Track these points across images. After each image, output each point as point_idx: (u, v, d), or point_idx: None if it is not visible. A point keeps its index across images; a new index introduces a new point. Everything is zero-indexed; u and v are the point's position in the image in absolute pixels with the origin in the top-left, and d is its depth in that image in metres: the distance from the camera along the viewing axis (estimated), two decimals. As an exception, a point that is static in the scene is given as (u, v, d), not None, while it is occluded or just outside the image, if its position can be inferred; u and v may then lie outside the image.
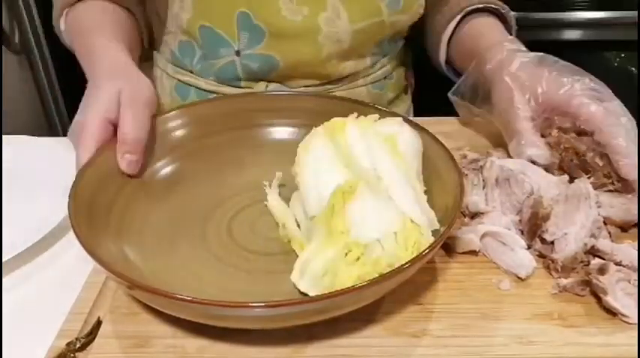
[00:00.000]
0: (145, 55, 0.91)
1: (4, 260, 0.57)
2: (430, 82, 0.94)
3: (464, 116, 0.77)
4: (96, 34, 0.70)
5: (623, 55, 1.61)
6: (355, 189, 0.50)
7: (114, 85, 0.59)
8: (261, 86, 0.81)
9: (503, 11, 0.80)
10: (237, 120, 0.66)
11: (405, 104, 0.95)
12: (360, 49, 0.81)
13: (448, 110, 0.79)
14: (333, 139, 0.56)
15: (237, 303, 0.42)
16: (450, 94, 0.76)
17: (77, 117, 0.59)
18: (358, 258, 0.47)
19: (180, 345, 0.48)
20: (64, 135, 0.58)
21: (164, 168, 0.62)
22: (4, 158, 0.74)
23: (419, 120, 0.85)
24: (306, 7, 0.75)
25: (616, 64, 1.64)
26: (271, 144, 0.66)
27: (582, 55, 1.63)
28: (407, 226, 0.49)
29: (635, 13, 1.42)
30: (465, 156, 0.69)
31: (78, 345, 0.48)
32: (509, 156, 0.67)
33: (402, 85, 0.93)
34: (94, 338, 0.49)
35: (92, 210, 0.53)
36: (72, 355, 0.47)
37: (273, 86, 0.81)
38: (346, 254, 0.48)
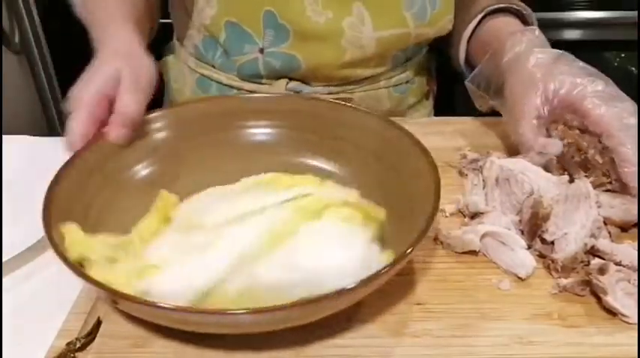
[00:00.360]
0: (169, 48, 0.92)
1: (4, 260, 0.57)
2: (448, 88, 0.95)
3: (480, 105, 0.76)
4: (110, 9, 0.69)
5: (623, 55, 1.61)
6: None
7: (115, 63, 0.60)
8: (281, 83, 0.81)
9: (525, 12, 0.79)
10: (218, 123, 0.66)
11: (426, 109, 0.95)
12: (382, 56, 0.81)
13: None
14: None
15: (217, 311, 0.43)
16: (466, 82, 0.76)
17: (74, 90, 0.59)
18: None
19: (180, 345, 0.48)
20: (64, 135, 0.58)
21: (144, 170, 0.62)
22: (4, 158, 0.74)
23: (419, 120, 0.85)
24: (331, 11, 0.75)
25: (616, 64, 1.64)
26: (251, 147, 0.66)
27: (582, 55, 1.63)
28: None
29: (635, 13, 1.42)
30: (464, 156, 0.69)
31: (78, 345, 0.48)
32: (509, 156, 0.67)
33: (424, 90, 0.93)
34: (94, 338, 0.49)
35: (70, 212, 0.53)
36: (72, 355, 0.47)
37: (293, 84, 0.81)
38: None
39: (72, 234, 0.51)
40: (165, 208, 0.56)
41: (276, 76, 0.81)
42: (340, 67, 0.80)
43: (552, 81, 0.64)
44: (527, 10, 0.79)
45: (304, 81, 0.82)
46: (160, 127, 0.64)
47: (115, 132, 0.57)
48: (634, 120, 0.60)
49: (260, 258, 0.45)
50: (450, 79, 0.91)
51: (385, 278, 0.45)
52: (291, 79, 0.81)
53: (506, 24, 0.77)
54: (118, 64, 0.60)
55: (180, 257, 0.48)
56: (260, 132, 0.66)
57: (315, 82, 0.82)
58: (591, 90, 0.62)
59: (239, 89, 0.83)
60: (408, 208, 0.53)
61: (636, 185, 0.59)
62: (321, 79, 0.81)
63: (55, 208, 0.51)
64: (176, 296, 0.45)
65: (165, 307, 0.41)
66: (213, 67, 0.83)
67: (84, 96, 0.58)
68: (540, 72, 0.65)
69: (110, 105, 0.58)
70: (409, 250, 0.45)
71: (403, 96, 0.88)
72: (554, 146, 0.63)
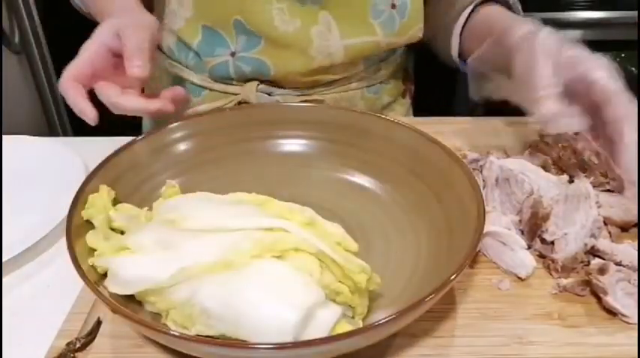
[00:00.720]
0: None
1: (4, 260, 0.57)
2: (429, 85, 0.94)
3: (475, 92, 0.75)
4: None
5: (623, 55, 1.61)
6: None
7: (116, 19, 0.63)
8: (252, 86, 0.81)
9: (510, 2, 0.79)
10: (243, 133, 0.65)
11: (403, 108, 0.95)
12: (352, 62, 0.81)
13: (447, 111, 0.79)
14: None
15: (222, 342, 0.42)
16: (468, 61, 0.74)
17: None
18: None
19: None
20: (64, 135, 0.59)
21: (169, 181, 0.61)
22: (4, 158, 0.74)
23: (418, 120, 0.85)
24: (299, 20, 0.75)
25: (616, 64, 1.64)
26: (279, 158, 0.65)
27: (582, 55, 1.63)
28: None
29: (635, 13, 1.42)
30: (464, 156, 0.69)
31: (78, 345, 0.48)
32: (509, 156, 0.67)
33: (400, 89, 0.93)
34: (94, 338, 0.49)
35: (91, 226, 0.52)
36: (72, 355, 0.47)
37: (263, 87, 0.81)
38: None
39: (102, 194, 0.53)
40: (169, 196, 0.56)
41: (246, 79, 0.81)
42: (309, 74, 0.80)
43: (564, 51, 0.64)
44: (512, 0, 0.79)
45: (275, 84, 0.81)
46: (182, 137, 0.63)
47: (132, 71, 0.59)
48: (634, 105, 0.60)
49: (202, 278, 0.44)
50: (429, 76, 0.90)
51: (422, 311, 0.44)
52: (261, 81, 0.81)
53: (501, 12, 0.77)
54: (118, 20, 0.62)
55: (149, 247, 0.48)
56: (289, 142, 0.65)
57: (286, 85, 0.82)
58: (600, 63, 0.64)
59: (210, 89, 0.83)
60: (447, 229, 0.53)
61: (631, 168, 0.58)
62: (292, 83, 0.81)
63: (76, 221, 0.51)
64: (128, 283, 0.46)
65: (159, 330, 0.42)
66: (186, 67, 0.84)
67: (85, 48, 0.61)
68: (552, 42, 0.65)
69: (113, 57, 0.61)
70: (453, 276, 0.43)
71: (377, 97, 0.88)
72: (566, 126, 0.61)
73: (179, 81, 0.84)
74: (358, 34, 0.78)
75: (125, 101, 0.60)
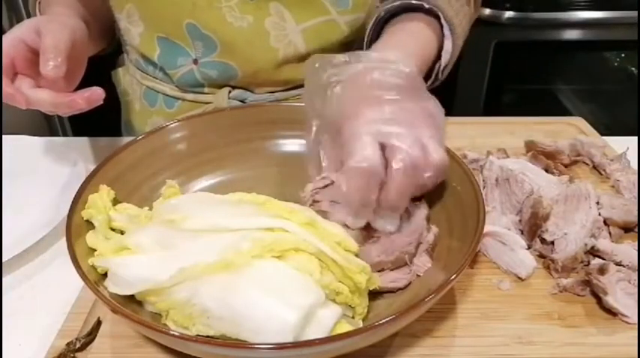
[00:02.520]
0: (120, 61, 0.91)
1: (4, 260, 0.57)
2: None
3: None
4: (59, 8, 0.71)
5: (623, 55, 1.61)
6: None
7: (38, 18, 0.62)
8: (224, 92, 0.79)
9: (427, 6, 0.68)
10: (242, 133, 0.65)
11: None
12: (320, 52, 0.77)
13: (447, 111, 0.79)
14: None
15: (222, 342, 0.42)
16: None
17: None
18: None
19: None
20: (64, 135, 0.59)
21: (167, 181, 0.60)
22: (4, 158, 0.74)
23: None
24: (250, 15, 0.74)
25: (616, 64, 1.64)
26: (281, 158, 0.65)
27: (582, 55, 1.64)
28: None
29: (635, 13, 1.42)
30: (465, 156, 0.69)
31: (78, 345, 0.48)
32: (509, 157, 0.67)
33: None
34: (94, 338, 0.49)
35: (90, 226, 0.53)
36: (72, 355, 0.47)
37: (236, 92, 0.80)
38: None
39: (102, 194, 0.53)
40: (169, 196, 0.56)
41: (217, 85, 0.80)
42: (277, 68, 0.78)
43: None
44: (428, 3, 0.68)
45: (247, 88, 0.80)
46: (182, 137, 0.63)
47: (46, 68, 0.56)
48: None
49: (202, 278, 0.44)
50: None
51: (422, 311, 0.44)
52: (233, 87, 0.80)
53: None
54: (42, 17, 0.62)
55: (149, 247, 0.48)
56: (289, 142, 0.65)
57: (258, 88, 0.80)
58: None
59: (183, 100, 0.81)
60: (447, 229, 0.53)
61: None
62: (263, 84, 0.80)
63: (76, 221, 0.51)
64: (128, 283, 0.46)
65: (159, 330, 0.42)
66: (156, 78, 0.83)
67: (5, 40, 0.59)
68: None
69: (29, 50, 0.59)
70: (453, 276, 0.43)
71: None
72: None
73: (152, 93, 0.83)
74: (312, 15, 0.76)
75: (33, 93, 0.58)
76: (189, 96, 0.81)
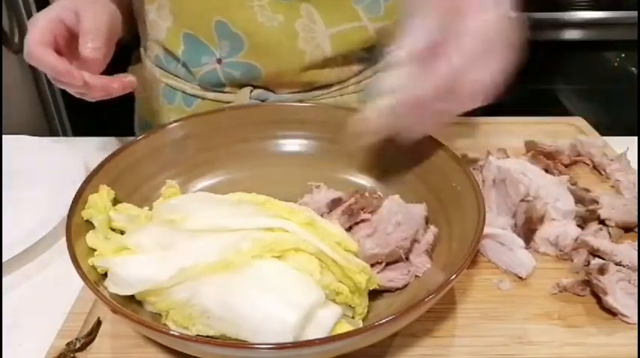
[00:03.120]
0: (136, 57, 0.91)
1: (4, 260, 0.57)
2: None
3: None
4: None
5: (623, 55, 1.61)
6: None
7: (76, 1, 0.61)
8: (245, 92, 0.79)
9: None
10: (241, 133, 0.65)
11: None
12: (344, 56, 0.79)
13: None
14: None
15: (222, 342, 0.42)
16: None
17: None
18: None
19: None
20: (64, 135, 0.59)
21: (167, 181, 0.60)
22: (4, 158, 0.74)
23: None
24: (281, 15, 0.74)
25: (616, 64, 1.64)
26: (281, 158, 0.65)
27: (582, 55, 1.64)
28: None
29: (635, 13, 1.42)
30: (465, 156, 0.69)
31: (78, 345, 0.48)
32: (509, 157, 0.67)
33: None
34: (94, 338, 0.49)
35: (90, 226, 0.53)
36: (72, 355, 0.47)
37: (257, 92, 0.80)
38: None
39: (102, 194, 0.53)
40: (169, 196, 0.56)
41: (239, 85, 0.80)
42: (302, 71, 0.78)
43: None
44: None
45: (268, 88, 0.80)
46: (182, 137, 0.63)
47: (86, 50, 0.57)
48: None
49: (202, 278, 0.44)
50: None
51: (422, 311, 0.44)
52: (255, 86, 0.80)
53: None
54: (79, 0, 0.61)
55: (149, 247, 0.48)
56: (289, 142, 0.65)
57: (280, 88, 0.80)
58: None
59: (203, 98, 0.81)
60: (447, 230, 0.53)
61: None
62: (286, 85, 0.80)
63: (76, 221, 0.51)
64: (128, 284, 0.46)
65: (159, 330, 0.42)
66: (177, 76, 0.82)
67: (38, 20, 0.59)
68: None
69: (66, 29, 0.59)
70: (453, 276, 0.43)
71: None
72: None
73: (171, 90, 0.83)
74: (342, 20, 0.76)
75: (74, 70, 0.58)
76: (210, 94, 0.81)
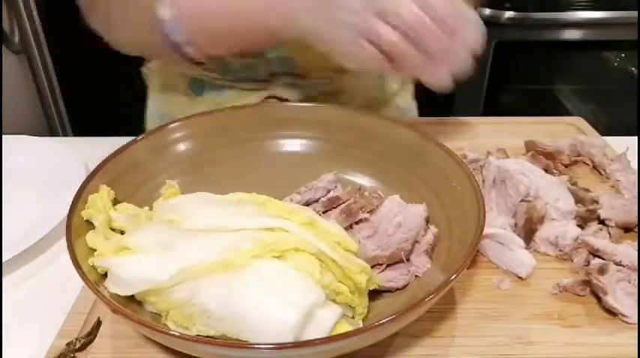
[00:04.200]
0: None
1: (4, 260, 0.57)
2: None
3: None
4: None
5: (623, 55, 1.61)
6: None
7: None
8: (278, 79, 0.80)
9: None
10: (242, 133, 0.65)
11: (409, 94, 0.94)
12: None
13: (447, 111, 0.79)
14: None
15: (222, 342, 0.42)
16: None
17: None
18: None
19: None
20: (64, 135, 0.59)
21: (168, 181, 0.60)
22: (4, 158, 0.74)
23: (419, 120, 0.85)
24: None
25: (616, 64, 1.65)
26: (280, 158, 0.65)
27: (582, 55, 1.64)
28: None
29: (635, 13, 1.42)
30: (465, 156, 0.69)
31: (78, 345, 0.48)
32: (509, 157, 0.67)
33: None
34: (94, 338, 0.49)
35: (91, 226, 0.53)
36: (72, 355, 0.47)
37: (288, 79, 0.80)
38: None
39: (102, 194, 0.53)
40: (169, 196, 0.56)
41: (273, 74, 0.81)
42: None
43: None
44: None
45: (299, 74, 0.81)
46: (182, 137, 0.63)
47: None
48: None
49: (202, 278, 0.44)
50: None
51: (422, 311, 0.44)
52: (286, 74, 0.81)
53: None
54: None
55: (149, 248, 0.48)
56: (289, 142, 0.65)
57: (311, 76, 0.82)
58: None
59: (232, 88, 0.82)
60: (447, 229, 0.53)
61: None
62: (315, 71, 0.81)
63: (76, 221, 0.51)
64: (128, 284, 0.46)
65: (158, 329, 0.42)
66: (207, 69, 0.82)
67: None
68: None
69: None
70: (453, 276, 0.43)
71: (384, 84, 0.88)
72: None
73: (197, 83, 0.83)
74: None
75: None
76: (242, 84, 0.81)
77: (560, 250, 0.57)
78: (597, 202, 0.60)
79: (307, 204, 0.58)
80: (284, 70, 0.80)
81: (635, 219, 0.60)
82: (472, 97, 1.58)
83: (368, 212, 0.54)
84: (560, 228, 0.58)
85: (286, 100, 0.83)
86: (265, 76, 0.81)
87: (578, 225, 0.59)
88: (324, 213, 0.56)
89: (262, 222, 0.47)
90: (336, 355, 0.42)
